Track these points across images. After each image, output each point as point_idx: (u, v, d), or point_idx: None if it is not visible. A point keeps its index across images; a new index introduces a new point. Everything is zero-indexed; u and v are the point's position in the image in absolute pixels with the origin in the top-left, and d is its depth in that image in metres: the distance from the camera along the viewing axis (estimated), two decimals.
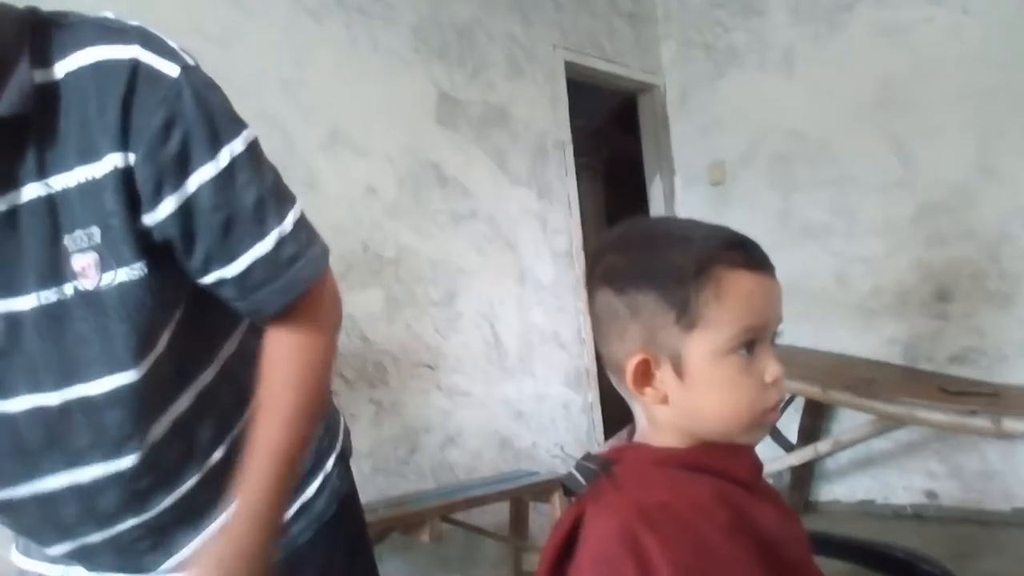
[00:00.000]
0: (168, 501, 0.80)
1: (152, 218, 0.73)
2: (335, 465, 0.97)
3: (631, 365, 0.72)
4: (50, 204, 0.70)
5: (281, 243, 0.78)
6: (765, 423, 0.74)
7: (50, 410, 0.74)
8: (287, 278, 0.79)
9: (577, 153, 3.56)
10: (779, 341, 0.77)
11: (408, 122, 2.81)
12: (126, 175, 0.71)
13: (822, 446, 3.14)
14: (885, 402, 2.70)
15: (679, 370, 0.72)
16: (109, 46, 0.70)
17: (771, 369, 0.72)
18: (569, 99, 3.50)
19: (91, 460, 0.76)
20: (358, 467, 2.37)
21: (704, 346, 0.71)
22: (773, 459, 3.16)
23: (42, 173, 0.70)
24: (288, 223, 0.79)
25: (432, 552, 2.55)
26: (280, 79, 2.46)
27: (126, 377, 0.76)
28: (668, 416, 0.74)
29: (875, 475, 3.43)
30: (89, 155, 0.71)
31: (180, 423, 0.80)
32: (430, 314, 2.79)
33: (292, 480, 0.82)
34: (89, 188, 0.71)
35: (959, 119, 3.13)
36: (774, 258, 0.77)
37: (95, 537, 0.79)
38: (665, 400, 0.73)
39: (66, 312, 0.72)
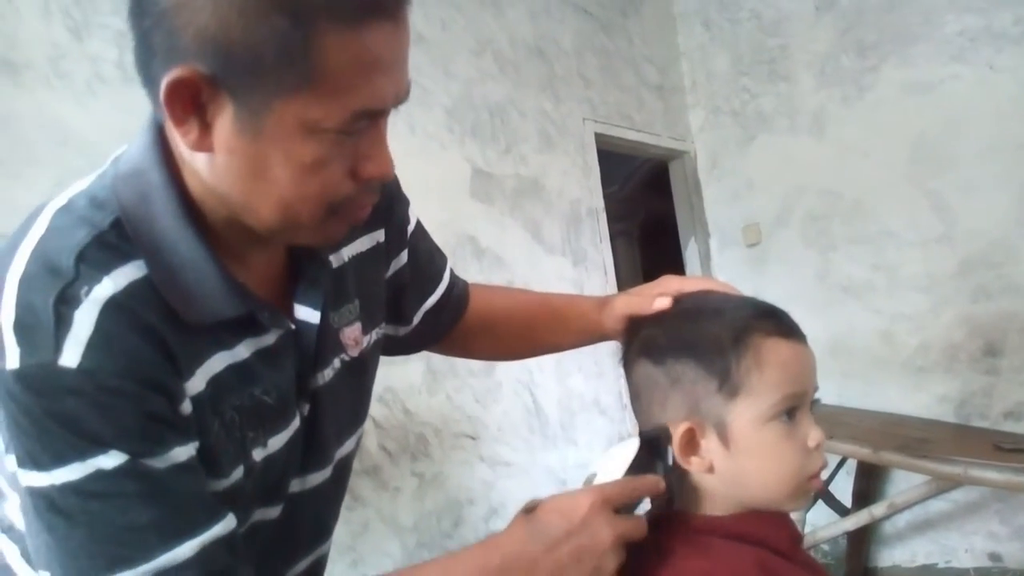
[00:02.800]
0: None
1: (396, 264, 0.91)
2: None
3: (678, 434, 0.74)
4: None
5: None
6: (810, 489, 0.75)
7: (325, 485, 0.81)
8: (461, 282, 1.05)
9: (611, 219, 3.60)
10: (827, 401, 0.78)
11: (444, 198, 2.89)
12: (384, 246, 0.88)
13: (877, 509, 3.04)
14: (939, 462, 2.62)
15: (724, 438, 0.73)
16: None
17: (813, 434, 0.74)
18: (602, 166, 3.57)
19: (329, 535, 0.87)
20: (402, 542, 2.37)
21: (748, 413, 0.73)
22: (828, 524, 3.06)
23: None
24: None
25: None
26: None
27: (360, 430, 0.88)
28: (714, 484, 0.75)
29: (935, 538, 3.30)
30: (352, 233, 0.82)
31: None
32: (470, 384, 2.81)
33: None
34: (357, 262, 0.83)
35: (995, 173, 3.12)
36: (816, 317, 0.80)
37: None
38: (711, 469, 0.74)
39: (337, 383, 0.80)
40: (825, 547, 3.45)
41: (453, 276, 1.03)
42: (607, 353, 3.34)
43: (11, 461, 0.61)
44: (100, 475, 0.59)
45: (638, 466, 0.73)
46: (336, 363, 0.79)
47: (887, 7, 3.40)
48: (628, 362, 0.82)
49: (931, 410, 3.26)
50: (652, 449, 0.74)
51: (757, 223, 3.84)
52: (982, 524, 3.17)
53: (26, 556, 0.71)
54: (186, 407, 0.65)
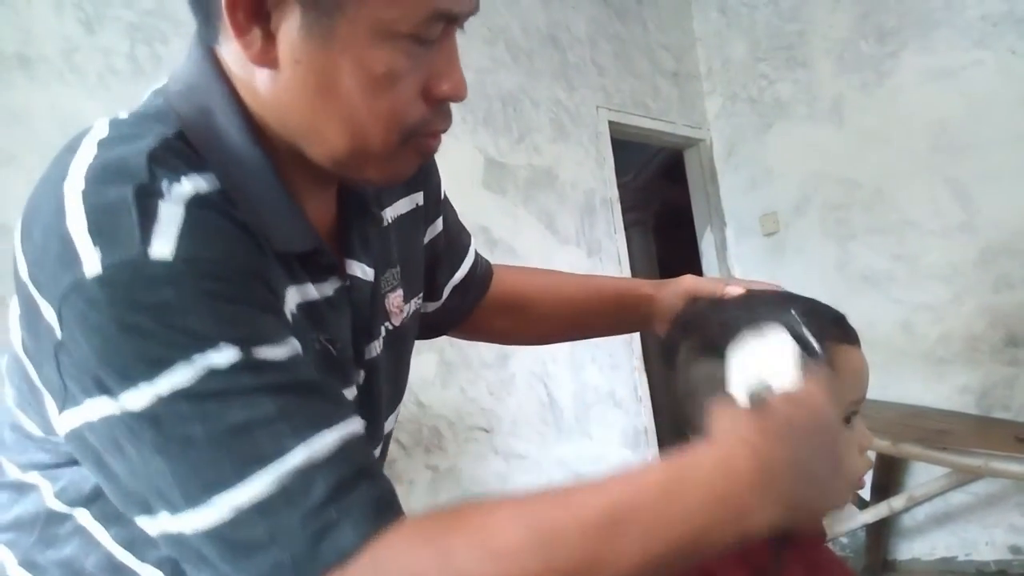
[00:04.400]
0: None
1: (432, 231, 0.87)
2: None
3: None
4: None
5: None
6: (857, 489, 0.75)
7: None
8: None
9: (626, 208, 3.57)
10: None
11: (456, 188, 2.85)
12: (423, 209, 0.83)
13: (896, 502, 3.01)
14: (959, 454, 2.59)
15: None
16: None
17: (867, 438, 0.74)
18: (616, 154, 3.54)
19: None
20: None
21: None
22: (846, 517, 3.03)
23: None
24: None
25: None
26: None
27: (400, 406, 0.81)
28: None
29: (955, 531, 3.27)
30: (394, 194, 0.78)
31: None
32: (484, 377, 2.80)
33: None
34: (398, 224, 0.78)
35: (1017, 161, 3.05)
36: (836, 307, 0.79)
37: None
38: None
39: (384, 356, 0.73)
40: (844, 540, 3.43)
41: (477, 254, 0.99)
42: (622, 345, 3.32)
43: (81, 405, 0.52)
44: (213, 373, 0.50)
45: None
46: (382, 332, 0.73)
47: None
48: (682, 358, 0.78)
49: (952, 401, 3.22)
50: (801, 343, 0.65)
51: (775, 212, 3.80)
52: (1003, 517, 3.13)
53: (25, 564, 0.64)
54: (289, 310, 0.58)
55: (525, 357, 2.94)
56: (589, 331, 1.06)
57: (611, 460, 3.17)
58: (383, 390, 0.73)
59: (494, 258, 3.29)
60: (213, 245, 0.53)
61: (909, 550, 3.39)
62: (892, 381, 3.31)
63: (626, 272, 3.45)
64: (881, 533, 3.35)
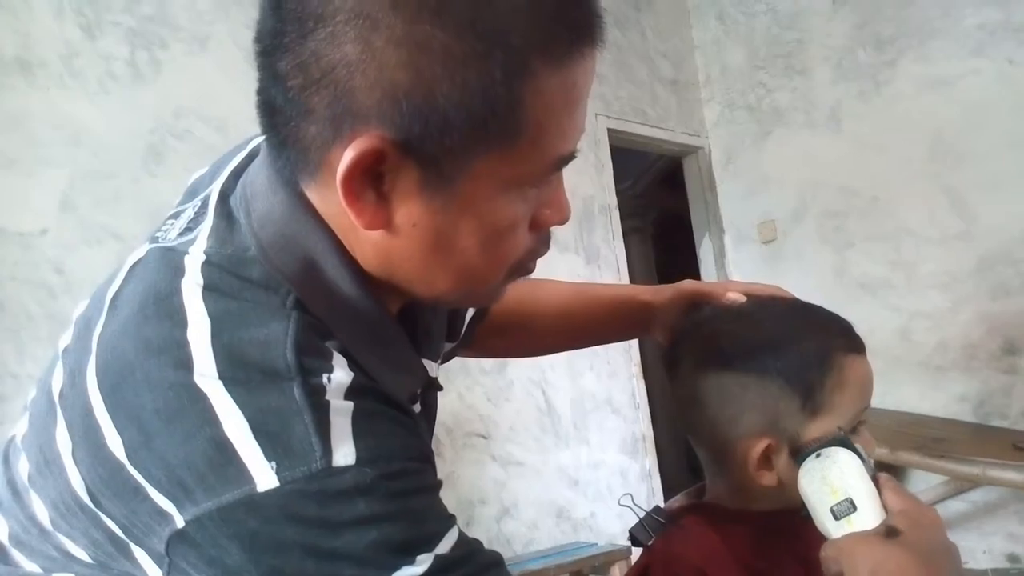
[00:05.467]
0: None
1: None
2: None
3: (757, 451, 0.72)
4: None
5: None
6: None
7: None
8: None
9: (625, 216, 3.58)
10: None
11: None
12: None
13: None
14: (956, 462, 2.59)
15: (797, 454, 0.72)
16: None
17: (871, 444, 0.74)
18: (615, 162, 3.55)
19: None
20: None
21: (825, 430, 0.71)
22: None
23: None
24: None
25: None
26: None
27: None
28: (772, 492, 0.74)
29: (953, 538, 3.25)
30: None
31: None
32: (482, 383, 2.80)
33: None
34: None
35: (1015, 169, 3.07)
36: None
37: None
38: (779, 483, 0.73)
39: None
40: None
41: None
42: (620, 352, 3.32)
43: None
44: None
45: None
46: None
47: (905, 0, 3.35)
48: (687, 368, 0.77)
49: (949, 409, 3.22)
50: (855, 451, 0.70)
51: (773, 220, 3.81)
52: (1001, 525, 3.13)
53: None
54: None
55: (523, 364, 2.94)
56: (587, 341, 1.04)
57: (610, 466, 3.16)
58: None
59: None
60: (386, 437, 0.51)
61: None
62: (889, 389, 3.31)
63: (624, 279, 3.46)
64: None
